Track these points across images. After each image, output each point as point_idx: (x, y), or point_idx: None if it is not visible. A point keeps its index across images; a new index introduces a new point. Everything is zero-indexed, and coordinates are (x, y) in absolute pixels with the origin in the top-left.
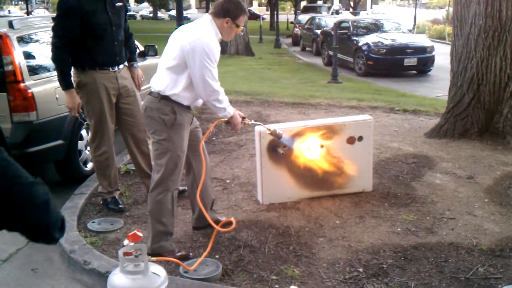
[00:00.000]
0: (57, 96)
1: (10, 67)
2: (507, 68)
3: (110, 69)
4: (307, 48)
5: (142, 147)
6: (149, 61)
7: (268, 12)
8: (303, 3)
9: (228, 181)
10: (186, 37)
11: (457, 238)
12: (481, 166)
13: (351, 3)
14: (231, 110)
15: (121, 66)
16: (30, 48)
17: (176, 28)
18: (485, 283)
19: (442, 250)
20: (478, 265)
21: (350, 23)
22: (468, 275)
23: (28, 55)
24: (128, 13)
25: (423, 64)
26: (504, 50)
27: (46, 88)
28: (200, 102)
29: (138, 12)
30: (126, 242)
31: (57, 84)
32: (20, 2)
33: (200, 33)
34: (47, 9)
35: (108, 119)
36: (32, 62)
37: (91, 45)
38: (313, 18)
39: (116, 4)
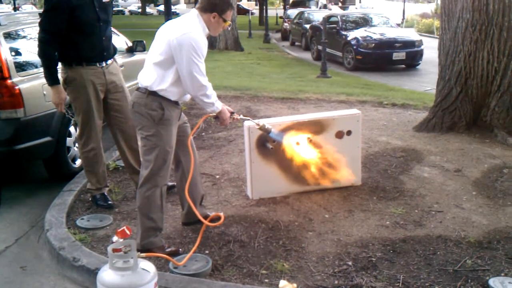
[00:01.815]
0: (44, 92)
1: None
2: (495, 61)
3: (98, 64)
4: (296, 43)
5: (131, 143)
6: (137, 56)
7: (257, 7)
8: None
9: (217, 176)
10: (173, 32)
11: (445, 230)
12: (469, 159)
13: None
14: (219, 105)
15: (109, 62)
16: (17, 44)
17: (164, 23)
18: (473, 275)
19: (431, 242)
20: (466, 257)
21: (339, 17)
22: (456, 267)
23: (15, 52)
24: (116, 8)
25: (412, 58)
26: (491, 44)
27: (33, 85)
28: (188, 97)
29: (126, 8)
30: (115, 238)
31: (44, 80)
32: None
33: (187, 28)
34: (34, 5)
35: (96, 115)
36: (19, 59)
37: (78, 40)
38: (302, 13)
39: (104, 0)
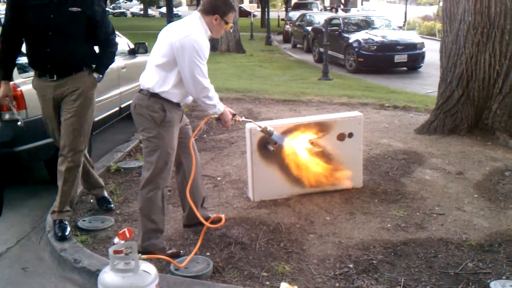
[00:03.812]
0: None
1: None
2: (496, 64)
3: (44, 77)
4: (298, 45)
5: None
6: (139, 58)
7: (259, 9)
8: (294, 0)
9: (219, 178)
10: (175, 34)
11: (446, 233)
12: (470, 162)
13: (342, 0)
14: (221, 107)
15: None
16: None
17: (166, 25)
18: (474, 278)
19: (432, 245)
20: (468, 260)
21: (340, 20)
22: (457, 270)
23: None
24: (118, 10)
25: (414, 60)
26: (493, 47)
27: None
28: (190, 99)
29: (128, 10)
30: (116, 240)
31: None
32: None
33: (189, 30)
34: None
35: (49, 125)
36: (21, 60)
37: (29, 48)
38: (304, 15)
39: (70, 9)
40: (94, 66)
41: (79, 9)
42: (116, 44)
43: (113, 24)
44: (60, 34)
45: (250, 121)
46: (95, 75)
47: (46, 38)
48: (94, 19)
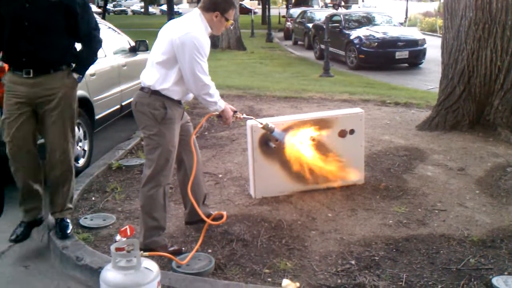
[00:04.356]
0: None
1: (0, 64)
2: (498, 60)
3: (19, 73)
4: (299, 42)
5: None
6: (140, 56)
7: (260, 6)
8: None
9: (220, 175)
10: (175, 31)
11: (448, 229)
12: (472, 158)
13: None
14: (222, 104)
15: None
16: None
17: (166, 23)
18: (476, 274)
19: (434, 241)
20: (470, 256)
21: (341, 16)
22: (459, 266)
23: None
24: (119, 8)
25: (415, 57)
26: (494, 42)
27: None
28: (190, 96)
29: (129, 7)
30: (118, 237)
31: None
32: None
33: (190, 28)
34: None
35: (6, 127)
36: None
37: (4, 40)
38: (304, 12)
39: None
40: (74, 65)
41: (58, 0)
42: (100, 41)
43: (114, 22)
44: (36, 25)
45: (251, 118)
46: (75, 75)
47: (21, 29)
48: (75, 11)
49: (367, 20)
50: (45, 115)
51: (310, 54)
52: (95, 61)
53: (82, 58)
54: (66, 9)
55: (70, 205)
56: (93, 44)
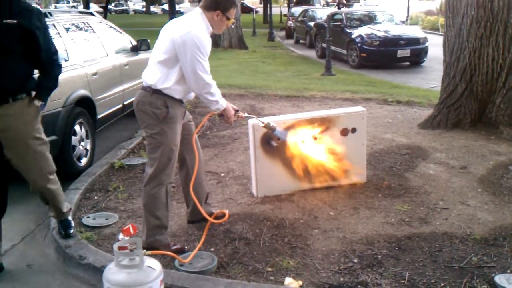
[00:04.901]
0: None
1: None
2: (500, 58)
3: None
4: (301, 41)
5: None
6: (142, 55)
7: (262, 5)
8: None
9: (222, 174)
10: (177, 30)
11: (450, 227)
12: (474, 156)
13: None
14: (223, 103)
15: None
16: None
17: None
18: (479, 272)
19: (436, 239)
20: (472, 254)
21: (343, 15)
22: (462, 264)
23: None
24: (120, 8)
25: (417, 55)
26: (496, 40)
27: None
28: (192, 95)
29: (130, 6)
30: (121, 236)
31: None
32: None
33: (191, 27)
34: (39, 4)
35: None
36: None
37: None
38: (306, 11)
39: (5, 21)
40: (34, 93)
41: (15, 22)
42: (60, 66)
43: (116, 22)
44: None
45: (253, 117)
46: (38, 102)
47: None
48: (33, 35)
49: (369, 19)
50: (9, 145)
51: (312, 53)
52: (56, 86)
53: (44, 84)
54: (23, 32)
55: (65, 210)
56: (54, 70)
